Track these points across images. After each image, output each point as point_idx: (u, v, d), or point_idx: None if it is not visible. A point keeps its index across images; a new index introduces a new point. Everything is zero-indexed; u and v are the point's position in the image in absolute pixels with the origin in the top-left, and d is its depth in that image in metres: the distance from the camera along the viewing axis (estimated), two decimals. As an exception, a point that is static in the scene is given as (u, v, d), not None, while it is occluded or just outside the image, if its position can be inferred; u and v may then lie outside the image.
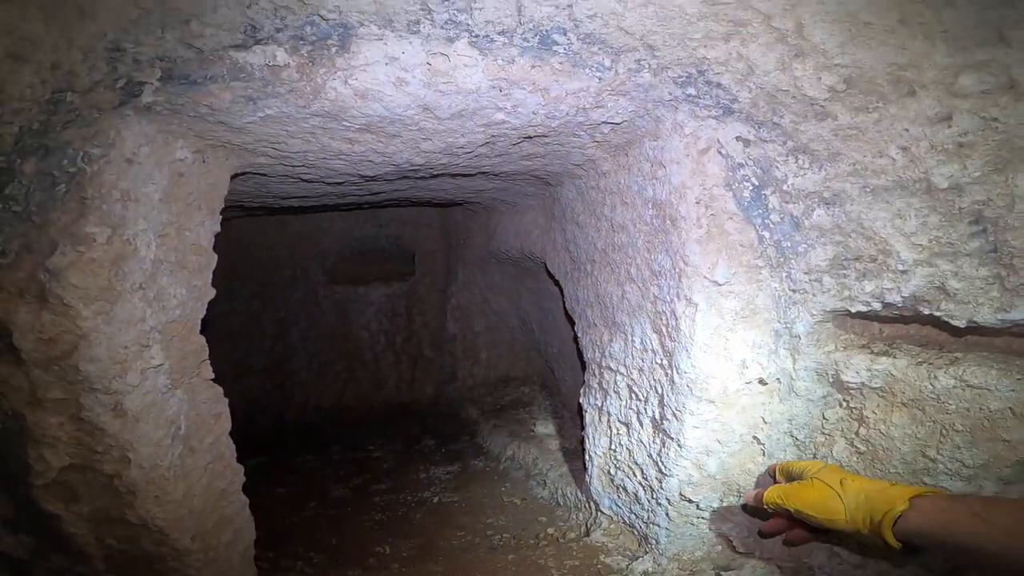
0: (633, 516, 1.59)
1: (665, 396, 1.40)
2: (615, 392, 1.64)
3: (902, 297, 1.08)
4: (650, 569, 1.46)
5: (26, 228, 1.11)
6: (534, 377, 3.28)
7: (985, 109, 0.91)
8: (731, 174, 1.26)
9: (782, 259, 1.25)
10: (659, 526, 1.47)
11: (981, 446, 1.03)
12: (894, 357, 1.12)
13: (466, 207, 2.94)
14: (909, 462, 1.13)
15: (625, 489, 1.61)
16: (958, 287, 1.01)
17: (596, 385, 1.75)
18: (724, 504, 1.39)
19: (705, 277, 1.28)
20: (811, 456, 1.30)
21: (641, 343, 1.50)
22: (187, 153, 1.31)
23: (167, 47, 1.06)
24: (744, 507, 1.36)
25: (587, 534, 1.73)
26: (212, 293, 1.42)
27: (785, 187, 1.20)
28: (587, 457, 1.79)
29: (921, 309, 1.07)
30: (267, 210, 2.60)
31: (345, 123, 1.30)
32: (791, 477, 1.22)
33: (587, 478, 1.80)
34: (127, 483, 1.22)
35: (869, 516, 1.00)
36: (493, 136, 1.46)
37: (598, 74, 1.18)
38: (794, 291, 1.25)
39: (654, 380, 1.45)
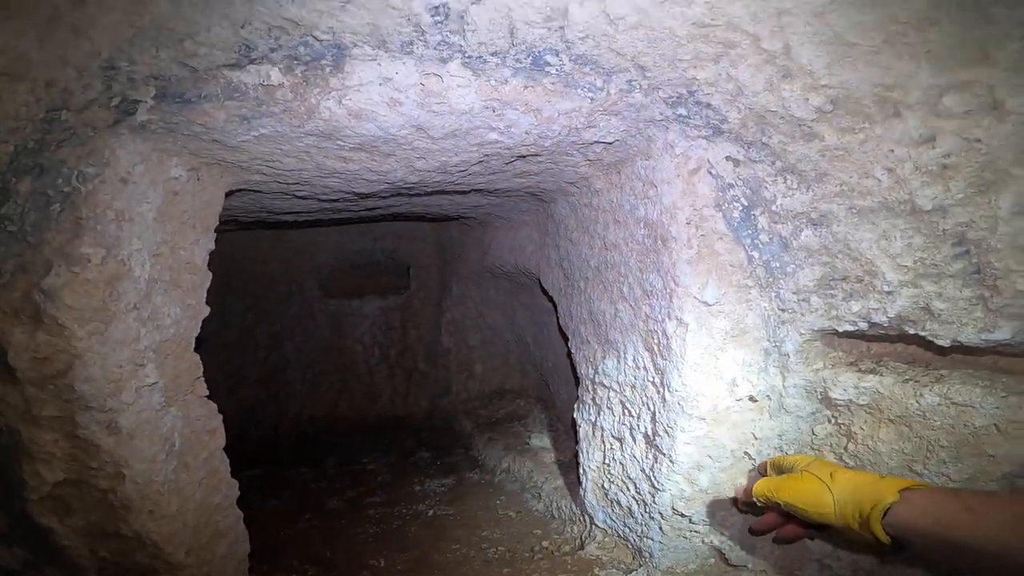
0: (627, 530, 1.59)
1: (657, 413, 1.41)
2: (608, 408, 1.65)
3: (888, 317, 1.09)
4: (644, 583, 1.47)
5: (21, 248, 1.11)
6: (529, 390, 3.28)
7: (968, 130, 0.91)
8: (721, 194, 1.28)
9: (771, 279, 1.27)
10: (653, 540, 1.47)
11: (966, 461, 1.04)
12: (881, 375, 1.13)
13: (461, 222, 2.95)
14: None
15: (619, 503, 1.61)
16: (942, 308, 1.02)
17: (590, 401, 1.76)
18: (716, 518, 1.40)
19: (695, 297, 1.29)
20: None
21: (634, 361, 1.51)
22: (181, 171, 1.32)
23: (161, 66, 1.07)
24: (734, 502, 1.35)
25: (582, 547, 1.73)
26: (206, 311, 1.43)
27: (774, 207, 1.21)
28: (581, 471, 1.79)
29: (907, 329, 1.09)
30: (262, 224, 2.60)
31: (339, 142, 1.31)
32: (782, 471, 1.20)
33: (581, 492, 1.81)
34: (121, 498, 1.22)
35: (858, 509, 0.98)
36: (487, 155, 1.47)
37: (590, 94, 1.19)
38: (783, 311, 1.26)
39: (646, 397, 1.46)
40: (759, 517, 1.24)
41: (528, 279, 2.52)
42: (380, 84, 1.13)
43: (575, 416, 1.84)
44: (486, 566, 1.77)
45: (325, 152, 1.37)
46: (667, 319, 1.35)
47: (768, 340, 1.31)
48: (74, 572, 1.28)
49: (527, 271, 2.43)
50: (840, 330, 1.18)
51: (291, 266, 3.49)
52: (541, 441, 2.58)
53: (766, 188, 1.21)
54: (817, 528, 1.17)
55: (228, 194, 1.52)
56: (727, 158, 1.24)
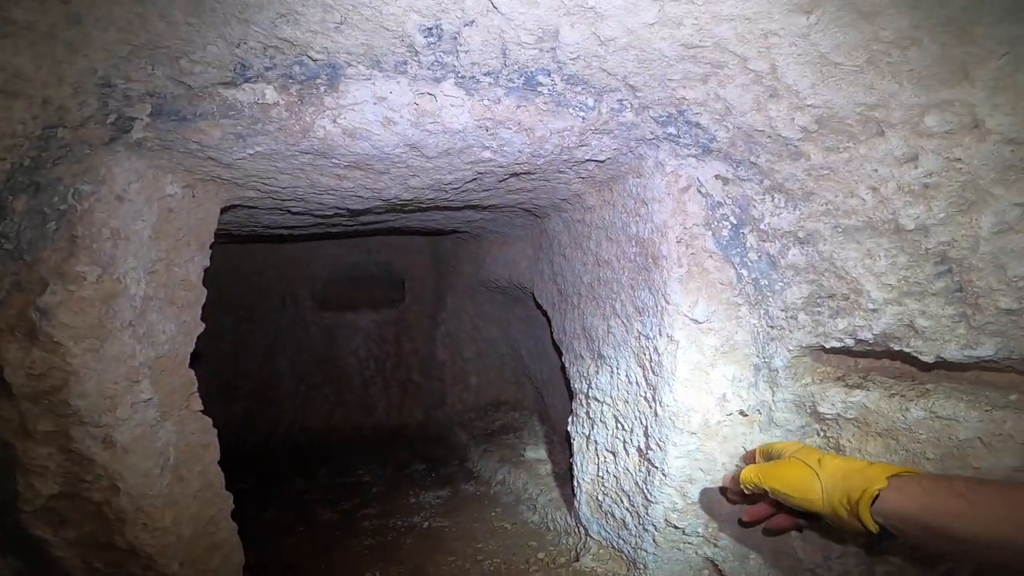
0: (621, 541, 1.60)
1: (649, 427, 1.43)
2: (602, 422, 1.66)
3: (873, 334, 1.11)
4: (638, 595, 1.47)
5: (17, 267, 1.12)
6: (524, 403, 3.29)
7: (949, 149, 0.91)
8: (710, 213, 1.30)
9: (760, 297, 1.28)
10: (647, 551, 1.48)
11: (952, 473, 1.05)
12: (868, 390, 1.15)
13: (456, 236, 2.96)
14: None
15: (613, 515, 1.62)
16: (926, 325, 1.04)
17: (584, 414, 1.77)
18: (708, 530, 1.41)
19: (686, 315, 1.31)
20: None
21: (626, 376, 1.52)
22: (177, 188, 1.33)
23: (157, 83, 1.08)
24: (723, 491, 1.33)
25: (577, 559, 1.74)
26: (201, 327, 1.44)
27: (762, 226, 1.22)
28: (576, 483, 1.80)
29: (892, 345, 1.10)
30: (256, 238, 2.60)
31: (334, 160, 1.33)
32: (770, 458, 1.18)
33: (576, 504, 1.81)
34: (116, 510, 1.23)
35: (846, 496, 0.95)
36: (480, 173, 1.49)
37: (582, 114, 1.21)
38: (771, 327, 1.28)
39: (639, 411, 1.47)
40: (750, 508, 1.22)
41: (522, 293, 2.53)
42: (374, 103, 1.15)
43: (569, 429, 1.85)
44: (481, 578, 1.78)
45: (320, 170, 1.39)
46: (659, 336, 1.37)
47: (758, 356, 1.32)
48: (67, 582, 1.28)
49: (521, 286, 2.44)
50: (827, 346, 1.20)
51: (285, 278, 3.49)
52: (536, 453, 2.59)
53: (754, 207, 1.22)
54: (807, 517, 1.13)
55: (223, 210, 1.53)
56: (716, 177, 1.26)
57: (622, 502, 1.56)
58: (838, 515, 0.98)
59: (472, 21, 0.96)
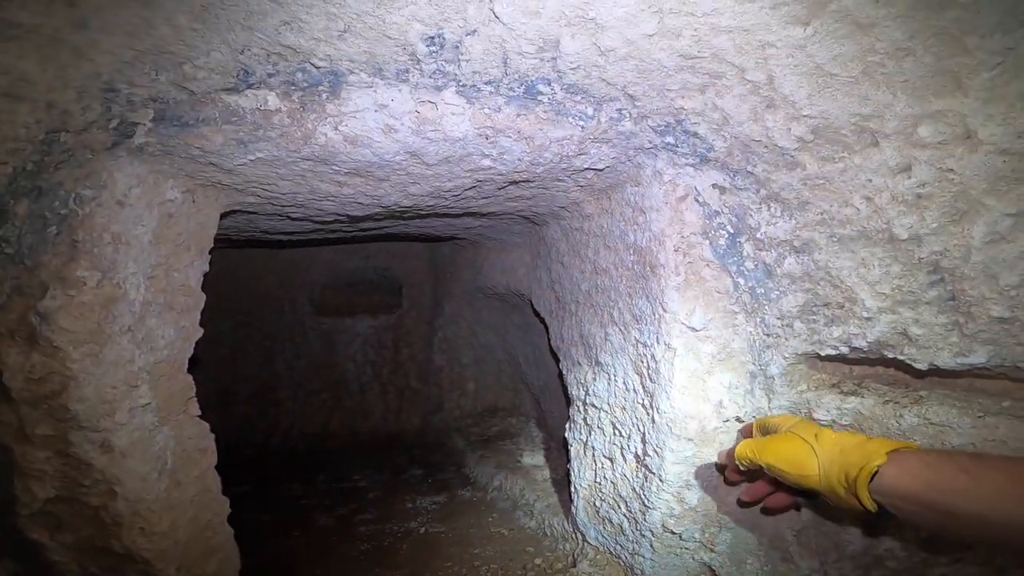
0: (619, 547, 1.60)
1: (647, 434, 1.43)
2: (599, 428, 1.67)
3: (867, 342, 1.12)
4: (635, 601, 1.48)
5: (18, 271, 1.12)
6: (521, 409, 3.29)
7: (942, 160, 0.92)
8: (708, 222, 1.31)
9: (756, 305, 1.29)
10: (644, 557, 1.49)
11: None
12: (862, 396, 1.16)
13: (454, 242, 2.98)
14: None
15: (610, 521, 1.62)
16: (919, 333, 1.04)
17: (581, 421, 1.78)
18: (706, 535, 1.41)
19: (683, 323, 1.32)
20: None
21: (624, 383, 1.53)
22: (177, 193, 1.33)
23: (160, 88, 1.09)
24: (720, 469, 1.31)
25: (574, 564, 1.74)
26: (199, 333, 1.44)
27: (759, 235, 1.23)
28: (573, 489, 1.81)
29: (886, 353, 1.11)
30: (255, 243, 2.61)
31: (334, 167, 1.33)
32: (767, 433, 1.14)
33: (573, 510, 1.81)
34: (113, 515, 1.23)
35: (844, 472, 0.90)
36: (480, 181, 1.49)
37: (581, 123, 1.22)
38: (768, 335, 1.29)
39: (636, 418, 1.48)
40: (749, 487, 1.20)
41: (520, 300, 2.53)
42: (376, 111, 1.15)
43: (566, 435, 1.86)
44: (478, 585, 1.78)
45: (320, 176, 1.39)
46: (656, 343, 1.38)
47: (754, 363, 1.33)
48: (64, 586, 1.28)
49: (519, 293, 2.45)
50: (823, 354, 1.21)
51: (284, 282, 3.50)
52: (533, 459, 2.59)
53: (751, 216, 1.23)
54: (805, 496, 1.10)
55: (223, 215, 1.54)
56: (713, 186, 1.27)
57: (619, 508, 1.57)
58: (835, 493, 0.93)
59: (474, 31, 0.98)
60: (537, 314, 2.22)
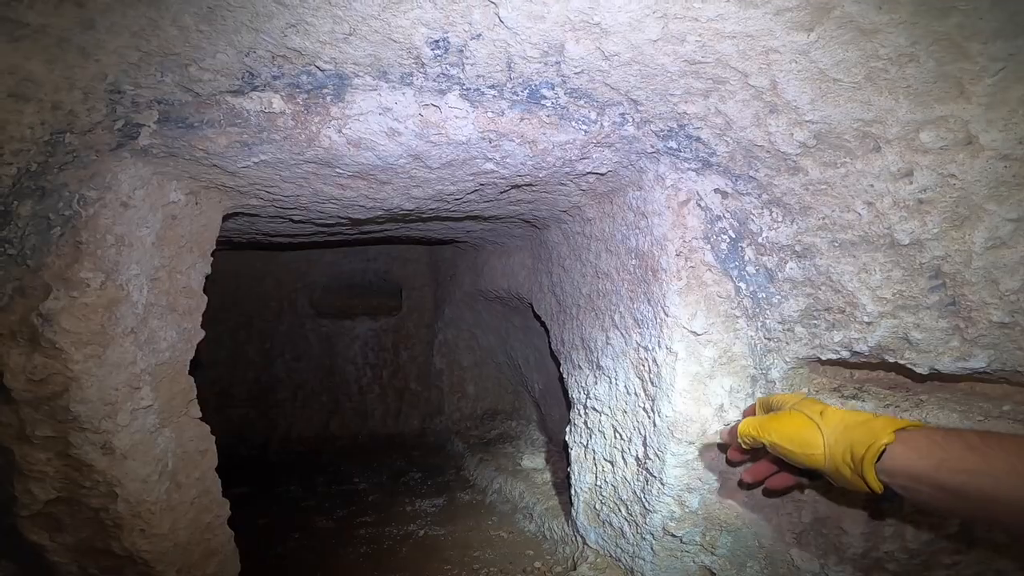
0: (619, 550, 1.60)
1: (648, 437, 1.44)
2: (600, 432, 1.67)
3: (868, 347, 1.12)
4: (635, 604, 1.48)
5: (20, 272, 1.12)
6: (521, 412, 3.29)
7: (943, 165, 0.92)
8: (709, 226, 1.31)
9: (757, 309, 1.30)
10: (644, 560, 1.49)
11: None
12: (863, 400, 1.16)
13: (455, 245, 2.98)
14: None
15: (611, 524, 1.62)
16: (920, 338, 1.05)
17: (582, 424, 1.78)
18: (706, 538, 1.42)
19: (685, 327, 1.32)
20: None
21: (625, 387, 1.54)
22: (180, 195, 1.33)
23: (166, 90, 1.08)
24: (721, 448, 1.28)
25: (574, 568, 1.73)
26: (201, 335, 1.44)
27: (760, 240, 1.23)
28: (573, 492, 1.81)
29: (886, 357, 1.11)
30: (255, 246, 2.61)
31: (338, 170, 1.33)
32: (771, 410, 1.11)
33: (573, 513, 1.82)
34: (113, 516, 1.22)
35: (850, 450, 0.87)
36: (482, 184, 1.50)
37: (584, 127, 1.22)
38: (769, 339, 1.29)
39: (637, 422, 1.48)
40: (752, 467, 1.17)
41: (521, 303, 2.53)
42: (380, 114, 1.16)
43: (567, 438, 1.86)
44: (478, 587, 1.78)
45: (323, 179, 1.39)
46: (658, 348, 1.38)
47: (755, 367, 1.33)
48: (63, 587, 1.27)
49: (520, 296, 2.45)
50: (823, 358, 1.21)
51: (284, 285, 3.50)
52: (532, 462, 2.59)
53: (752, 221, 1.23)
54: (809, 476, 1.07)
55: (225, 217, 1.54)
56: (715, 190, 1.27)
57: (620, 511, 1.57)
58: (840, 473, 0.90)
59: (479, 35, 0.98)
60: (538, 317, 2.23)
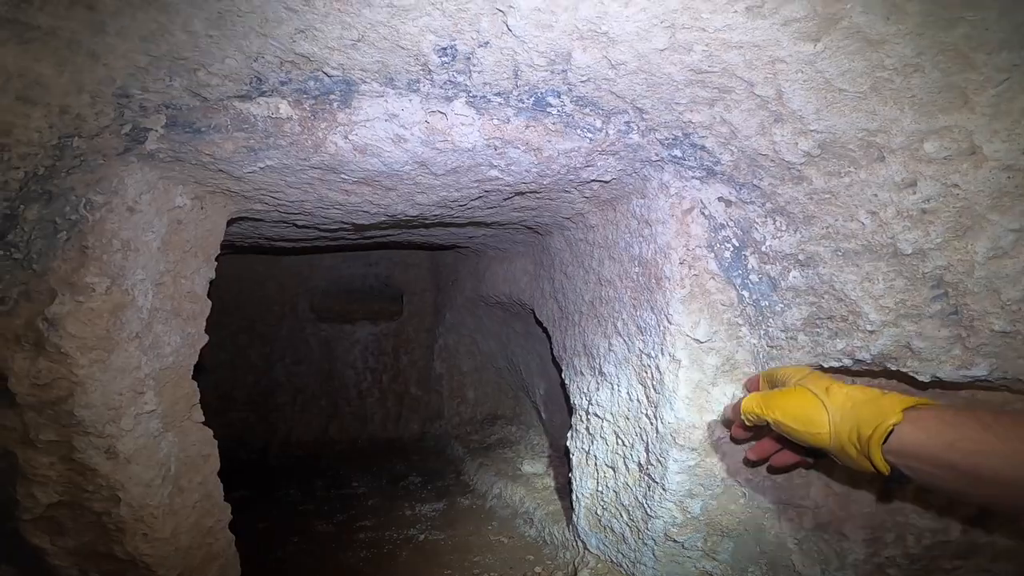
0: (620, 556, 1.60)
1: (650, 443, 1.44)
2: (602, 437, 1.67)
3: (871, 355, 1.12)
4: (637, 610, 1.48)
5: (26, 276, 1.12)
6: (521, 417, 3.29)
7: (947, 175, 0.92)
8: (713, 235, 1.31)
9: (760, 318, 1.30)
10: (646, 565, 1.49)
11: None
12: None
13: (457, 250, 2.98)
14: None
15: (612, 529, 1.63)
16: (922, 346, 1.05)
17: (583, 430, 1.78)
18: (708, 544, 1.42)
19: (687, 335, 1.32)
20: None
21: (627, 393, 1.54)
22: (186, 200, 1.34)
23: (174, 94, 1.08)
24: (724, 423, 1.26)
25: (575, 573, 1.73)
26: (205, 339, 1.44)
27: (763, 248, 1.24)
28: (574, 497, 1.81)
29: (889, 365, 1.12)
30: (258, 250, 2.61)
31: (343, 176, 1.34)
32: (775, 385, 1.08)
33: (574, 518, 1.82)
34: (116, 520, 1.22)
35: (856, 430, 0.83)
36: (487, 191, 1.50)
37: (589, 135, 1.22)
38: (771, 347, 1.29)
39: (639, 428, 1.49)
40: (756, 445, 1.15)
41: (522, 309, 2.53)
42: (386, 120, 1.16)
43: (568, 444, 1.86)
44: (478, 593, 1.77)
45: (328, 185, 1.40)
46: (660, 355, 1.39)
47: (758, 375, 1.34)
48: (64, 591, 1.27)
49: (521, 302, 2.45)
50: (826, 366, 1.21)
51: (285, 289, 3.50)
52: (533, 467, 2.59)
53: (756, 229, 1.24)
54: (813, 454, 1.04)
55: (229, 222, 1.54)
56: (719, 199, 1.28)
57: (621, 516, 1.57)
58: (846, 453, 0.86)
59: (486, 43, 0.98)
60: (539, 323, 2.23)
